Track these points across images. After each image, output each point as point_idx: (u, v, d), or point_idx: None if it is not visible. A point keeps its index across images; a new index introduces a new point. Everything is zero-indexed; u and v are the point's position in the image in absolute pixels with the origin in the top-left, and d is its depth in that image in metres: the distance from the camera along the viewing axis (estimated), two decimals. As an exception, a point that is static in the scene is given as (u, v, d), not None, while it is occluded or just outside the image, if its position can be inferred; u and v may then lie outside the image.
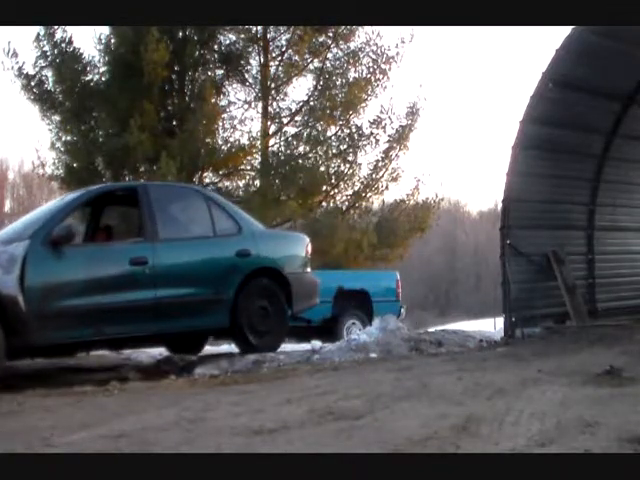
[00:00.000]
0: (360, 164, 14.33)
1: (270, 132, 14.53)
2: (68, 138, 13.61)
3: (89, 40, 14.30)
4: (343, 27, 13.99)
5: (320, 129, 14.35)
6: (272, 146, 14.49)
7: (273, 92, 14.52)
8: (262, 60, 14.43)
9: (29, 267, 5.27)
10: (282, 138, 14.61)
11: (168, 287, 6.07)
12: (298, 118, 14.64)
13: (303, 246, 7.32)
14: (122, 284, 5.88)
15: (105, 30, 13.45)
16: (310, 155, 14.33)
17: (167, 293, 6.05)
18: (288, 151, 14.30)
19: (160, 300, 5.99)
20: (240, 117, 14.59)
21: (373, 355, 6.67)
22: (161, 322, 6.05)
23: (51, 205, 6.64)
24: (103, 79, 13.67)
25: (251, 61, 14.56)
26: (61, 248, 5.55)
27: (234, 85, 14.75)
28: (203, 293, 6.33)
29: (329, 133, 14.41)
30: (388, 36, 14.74)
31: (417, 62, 70.55)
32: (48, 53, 13.27)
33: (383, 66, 14.44)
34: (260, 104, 14.60)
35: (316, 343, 8.54)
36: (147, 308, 5.93)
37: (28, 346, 5.39)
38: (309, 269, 7.32)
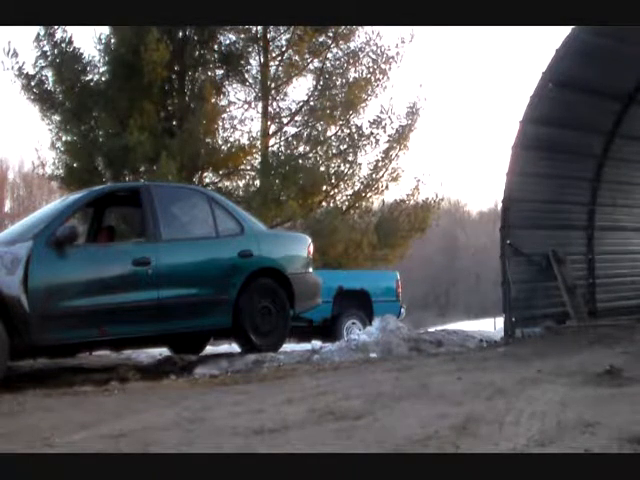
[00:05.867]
0: (360, 164, 14.34)
1: (270, 132, 14.53)
2: (68, 138, 13.61)
3: (89, 40, 14.32)
4: (343, 27, 13.99)
5: (320, 129, 14.35)
6: (272, 146, 14.49)
7: (273, 92, 14.52)
8: (262, 60, 14.43)
9: (32, 268, 5.27)
10: (282, 138, 14.62)
11: (171, 287, 6.07)
12: (298, 118, 14.64)
13: (305, 246, 7.33)
14: (125, 285, 5.88)
15: (105, 30, 13.48)
16: (310, 155, 14.34)
17: (170, 293, 6.05)
18: (288, 151, 14.30)
19: (163, 300, 5.99)
20: (240, 117, 14.62)
21: (373, 355, 6.67)
22: (164, 322, 6.05)
23: (54, 206, 6.63)
24: (103, 79, 13.66)
25: (251, 61, 14.58)
26: (64, 249, 5.54)
27: (234, 85, 14.76)
28: (206, 293, 6.34)
29: (329, 133, 14.42)
30: (388, 36, 14.79)
31: (417, 62, 70.63)
32: (48, 53, 13.26)
33: (383, 66, 14.43)
34: (260, 104, 14.60)
35: (316, 343, 8.54)
36: (150, 308, 5.93)
37: (31, 346, 5.39)
38: (311, 269, 7.33)
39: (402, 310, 11.09)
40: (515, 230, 9.20)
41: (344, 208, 14.42)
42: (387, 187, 14.44)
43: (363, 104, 14.37)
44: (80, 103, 13.20)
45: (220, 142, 13.91)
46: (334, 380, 5.03)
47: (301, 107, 14.58)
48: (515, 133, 8.96)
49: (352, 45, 14.58)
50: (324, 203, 14.42)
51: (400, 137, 14.31)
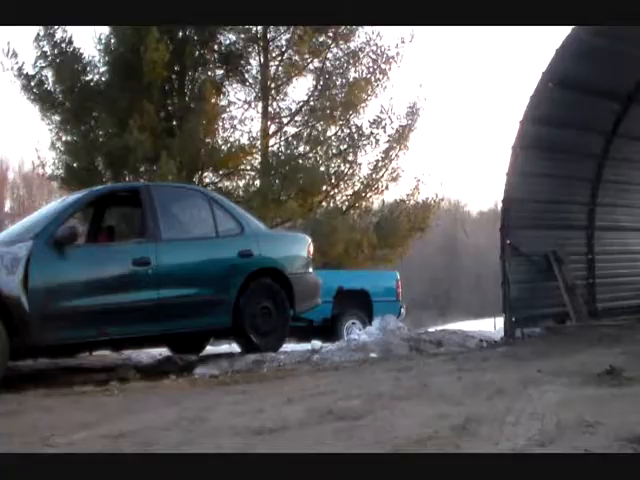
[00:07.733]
0: (360, 164, 14.34)
1: (270, 132, 14.53)
2: (68, 138, 13.61)
3: (89, 40, 14.28)
4: (343, 27, 13.99)
5: (320, 129, 14.35)
6: (272, 146, 14.49)
7: (273, 92, 14.52)
8: (262, 60, 14.43)
9: (32, 268, 5.27)
10: (282, 138, 14.62)
11: (171, 287, 6.08)
12: (298, 118, 14.65)
13: (305, 246, 7.33)
14: (125, 285, 5.88)
15: (105, 30, 13.46)
16: (310, 155, 14.33)
17: (170, 293, 6.06)
18: (288, 151, 14.30)
19: (163, 300, 5.99)
20: (240, 117, 14.61)
21: (373, 355, 6.67)
22: (164, 322, 6.06)
23: (54, 206, 6.63)
24: (103, 79, 13.66)
25: (251, 61, 14.59)
26: (64, 249, 5.55)
27: (234, 85, 14.76)
28: (206, 293, 6.34)
29: (329, 133, 14.41)
30: (388, 36, 14.75)
31: (417, 62, 70.50)
32: (48, 53, 13.25)
33: (383, 66, 14.43)
34: (260, 104, 14.60)
35: (316, 343, 8.52)
36: (150, 308, 5.94)
37: (31, 346, 5.39)
38: (311, 269, 7.33)
39: (402, 310, 11.09)
40: (515, 230, 9.19)
41: (344, 208, 14.42)
42: (387, 187, 14.45)
43: (363, 104, 14.38)
44: (80, 103, 13.19)
45: (220, 142, 13.92)
46: (334, 380, 5.03)
47: (301, 107, 14.59)
48: (515, 133, 8.96)
49: (352, 45, 14.59)
50: (324, 203, 14.42)
51: (400, 137, 14.31)
